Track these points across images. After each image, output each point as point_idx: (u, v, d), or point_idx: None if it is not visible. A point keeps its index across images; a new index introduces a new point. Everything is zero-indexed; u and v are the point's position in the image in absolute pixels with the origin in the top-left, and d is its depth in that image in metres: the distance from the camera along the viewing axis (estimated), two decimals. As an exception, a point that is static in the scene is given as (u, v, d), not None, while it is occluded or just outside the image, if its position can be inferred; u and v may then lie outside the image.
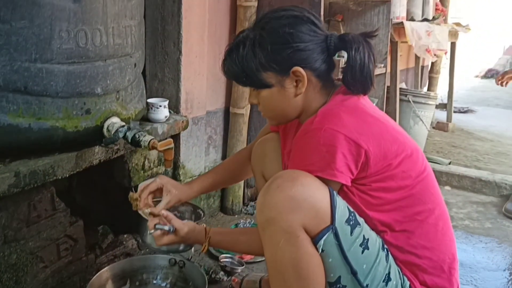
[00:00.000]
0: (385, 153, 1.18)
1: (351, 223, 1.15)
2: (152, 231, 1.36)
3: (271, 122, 1.44)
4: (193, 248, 1.72)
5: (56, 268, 1.60)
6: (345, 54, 1.24)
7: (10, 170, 1.36)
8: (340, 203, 1.16)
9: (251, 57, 1.24)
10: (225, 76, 1.35)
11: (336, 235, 1.13)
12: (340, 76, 1.27)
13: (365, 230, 1.18)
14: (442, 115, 4.93)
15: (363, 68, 1.22)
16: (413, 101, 3.77)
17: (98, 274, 1.59)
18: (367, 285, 1.17)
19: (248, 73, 1.26)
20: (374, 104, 1.41)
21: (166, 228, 1.35)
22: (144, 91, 1.88)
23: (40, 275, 1.55)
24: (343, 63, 1.28)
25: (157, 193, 1.50)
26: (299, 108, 1.30)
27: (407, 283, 1.23)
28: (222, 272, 1.84)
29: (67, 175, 1.52)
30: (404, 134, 1.27)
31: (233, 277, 1.78)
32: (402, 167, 1.20)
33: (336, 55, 1.28)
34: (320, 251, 1.13)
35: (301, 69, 1.22)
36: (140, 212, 1.46)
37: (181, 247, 1.50)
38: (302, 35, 1.22)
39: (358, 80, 1.23)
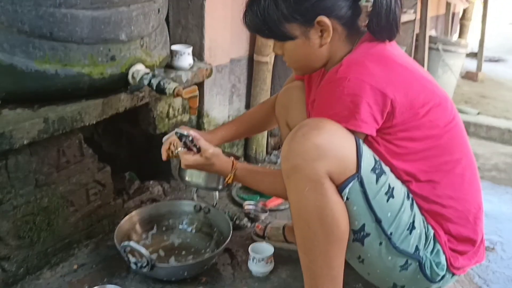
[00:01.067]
0: (412, 102, 1.16)
1: (376, 171, 1.15)
2: (180, 149, 1.37)
3: (296, 72, 1.41)
4: (217, 195, 1.74)
5: (86, 212, 1.66)
6: None
7: (39, 116, 1.38)
8: (366, 151, 1.15)
9: (273, 9, 1.19)
10: (247, 29, 1.30)
11: (362, 183, 1.13)
12: (366, 22, 1.22)
13: (390, 178, 1.18)
14: (472, 64, 4.78)
15: (389, 13, 1.17)
16: (443, 49, 3.65)
17: (126, 218, 1.64)
18: (391, 233, 1.18)
19: (271, 25, 1.21)
20: (403, 51, 1.36)
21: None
22: (168, 38, 1.86)
23: (71, 218, 1.60)
24: (369, 7, 1.22)
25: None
26: (324, 58, 1.26)
27: (431, 231, 1.23)
28: (246, 219, 1.88)
29: (94, 122, 1.54)
30: (432, 82, 1.23)
31: (256, 224, 1.81)
32: (429, 116, 1.18)
33: (363, 0, 1.23)
34: (345, 199, 1.13)
35: (326, 19, 1.18)
36: (176, 152, 1.46)
37: (220, 186, 1.52)
38: None
39: (384, 26, 1.19)
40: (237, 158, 1.47)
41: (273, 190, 1.37)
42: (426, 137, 1.19)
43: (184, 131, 1.34)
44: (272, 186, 1.33)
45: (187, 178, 1.55)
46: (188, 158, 1.36)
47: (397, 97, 1.13)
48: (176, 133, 1.35)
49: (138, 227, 1.68)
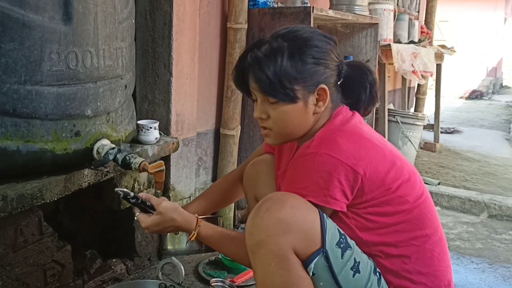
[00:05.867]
0: (383, 178, 1.18)
1: (341, 245, 1.14)
2: (138, 214, 1.33)
3: (273, 140, 1.34)
4: (183, 272, 1.68)
5: (43, 295, 1.56)
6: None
7: (-3, 194, 1.32)
8: (331, 225, 1.14)
9: (288, 68, 1.21)
10: (242, 87, 1.32)
11: (327, 258, 1.11)
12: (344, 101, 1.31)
13: (356, 253, 1.17)
14: (429, 136, 4.97)
15: (372, 90, 1.29)
16: (402, 122, 3.80)
17: (86, 300, 1.55)
18: (358, 309, 1.15)
19: (282, 84, 1.21)
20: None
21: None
22: (134, 113, 1.86)
23: (26, 302, 1.50)
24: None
25: None
26: (309, 127, 1.28)
27: (400, 308, 1.21)
28: (213, 297, 1.81)
29: (56, 199, 1.49)
30: (401, 157, 1.26)
31: (224, 302, 1.75)
32: (399, 192, 1.20)
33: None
34: (311, 274, 1.11)
35: (326, 88, 1.23)
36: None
37: (203, 246, 1.46)
38: (332, 55, 1.25)
39: (370, 102, 1.30)
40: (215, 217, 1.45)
41: (235, 256, 1.34)
42: (396, 212, 1.20)
43: (124, 188, 1.31)
44: (235, 251, 1.31)
45: (168, 247, 1.48)
46: (144, 220, 1.32)
47: (367, 173, 1.15)
48: (117, 193, 1.31)
49: (98, 310, 1.59)
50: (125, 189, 1.30)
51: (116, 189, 1.30)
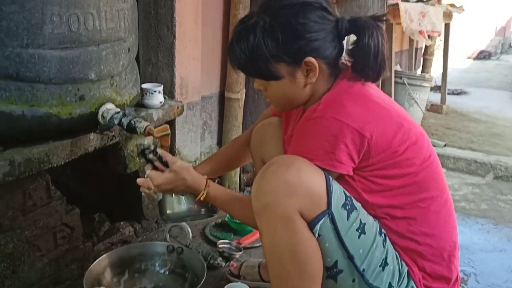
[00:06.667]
0: (389, 141, 1.16)
1: (347, 207, 1.14)
2: (149, 171, 1.34)
3: (276, 108, 1.39)
4: (190, 234, 1.71)
5: (54, 257, 1.59)
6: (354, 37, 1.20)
7: (5, 158, 1.33)
8: (337, 187, 1.15)
9: (262, 48, 1.17)
10: (232, 66, 1.28)
11: (333, 220, 1.12)
12: (349, 62, 1.23)
13: (362, 214, 1.17)
14: (436, 97, 4.93)
15: (377, 54, 1.18)
16: (408, 84, 3.76)
17: (96, 262, 1.58)
18: (363, 270, 1.16)
19: (258, 64, 1.20)
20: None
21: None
22: (138, 77, 1.85)
23: (38, 264, 1.54)
24: (349, 45, 1.23)
25: None
26: (307, 96, 1.26)
27: (405, 268, 1.22)
28: (220, 258, 1.84)
29: (62, 163, 1.50)
30: (409, 119, 1.24)
31: (231, 263, 1.77)
32: (406, 154, 1.18)
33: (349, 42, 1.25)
34: (317, 235, 1.12)
35: (313, 60, 1.18)
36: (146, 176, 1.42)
37: (203, 208, 1.46)
38: (314, 25, 1.16)
39: (372, 67, 1.19)
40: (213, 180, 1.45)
41: (242, 217, 1.36)
42: (403, 175, 1.19)
43: (146, 142, 1.30)
44: (242, 212, 1.33)
45: (168, 211, 1.48)
46: (156, 177, 1.34)
47: (374, 136, 1.14)
48: (139, 147, 1.30)
49: (108, 271, 1.62)
50: (146, 142, 1.29)
51: (137, 142, 1.29)
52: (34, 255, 1.52)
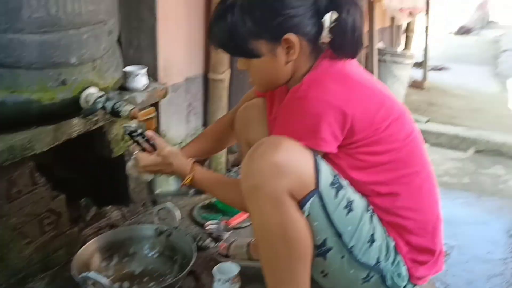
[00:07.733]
0: (372, 118, 1.18)
1: (335, 186, 1.16)
2: (136, 152, 1.36)
3: (259, 88, 1.40)
4: (178, 216, 1.71)
5: (41, 243, 1.58)
6: (334, 15, 1.20)
7: (-13, 146, 1.31)
8: (324, 166, 1.16)
9: (240, 25, 1.18)
10: (213, 45, 1.29)
11: (321, 199, 1.14)
12: (328, 40, 1.23)
13: (349, 192, 1.19)
14: (418, 74, 4.97)
15: (354, 31, 1.18)
16: (390, 61, 3.78)
17: (83, 247, 1.57)
18: (352, 246, 1.19)
19: (237, 42, 1.21)
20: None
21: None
22: (121, 60, 1.82)
23: (25, 251, 1.53)
24: (332, 24, 1.23)
25: None
26: (289, 74, 1.26)
27: (392, 243, 1.25)
28: (209, 239, 1.85)
29: (46, 149, 1.48)
30: (391, 96, 1.26)
31: (220, 243, 1.79)
32: (389, 131, 1.20)
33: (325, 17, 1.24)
34: (306, 215, 1.14)
35: (293, 36, 1.18)
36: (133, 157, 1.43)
37: (191, 192, 1.48)
38: (292, 1, 1.16)
39: (349, 43, 1.20)
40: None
41: (228, 199, 1.38)
42: (387, 151, 1.21)
43: (133, 125, 1.32)
44: (228, 195, 1.34)
45: (157, 191, 1.50)
46: (144, 157, 1.35)
47: (356, 114, 1.15)
48: (125, 129, 1.32)
49: (97, 256, 1.61)
50: (133, 125, 1.30)
51: (124, 125, 1.30)
52: (21, 242, 1.51)
